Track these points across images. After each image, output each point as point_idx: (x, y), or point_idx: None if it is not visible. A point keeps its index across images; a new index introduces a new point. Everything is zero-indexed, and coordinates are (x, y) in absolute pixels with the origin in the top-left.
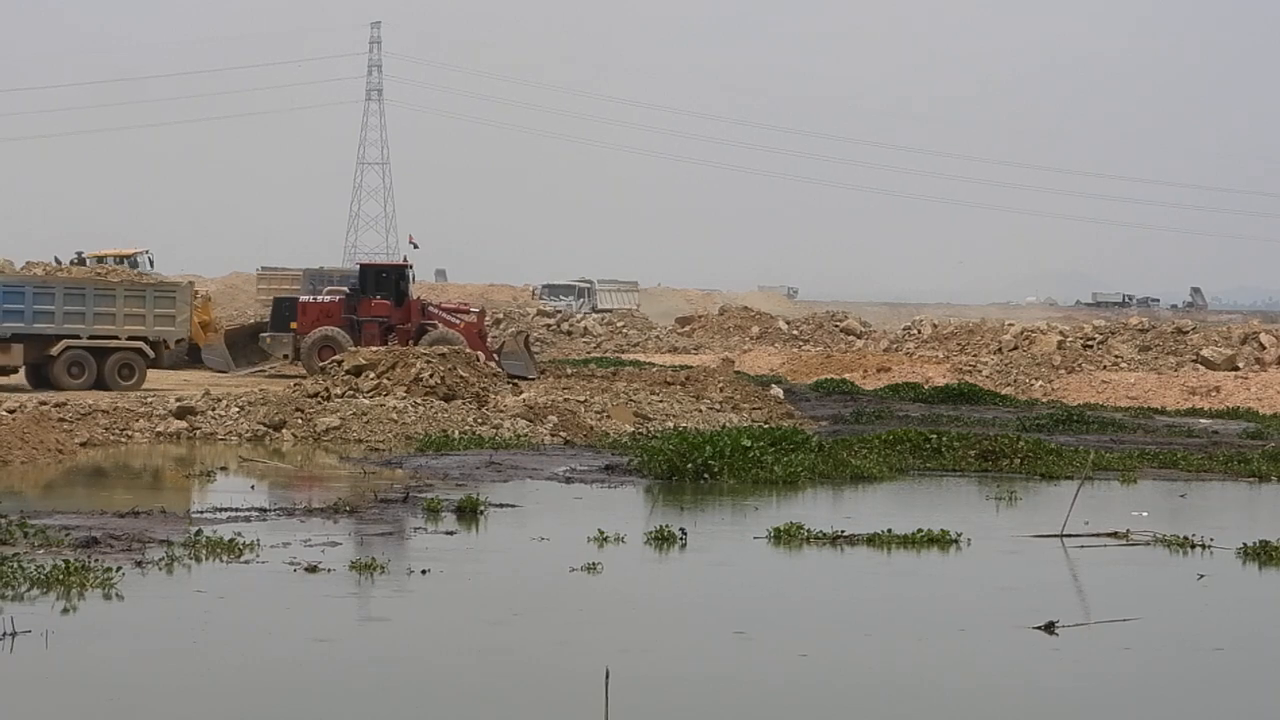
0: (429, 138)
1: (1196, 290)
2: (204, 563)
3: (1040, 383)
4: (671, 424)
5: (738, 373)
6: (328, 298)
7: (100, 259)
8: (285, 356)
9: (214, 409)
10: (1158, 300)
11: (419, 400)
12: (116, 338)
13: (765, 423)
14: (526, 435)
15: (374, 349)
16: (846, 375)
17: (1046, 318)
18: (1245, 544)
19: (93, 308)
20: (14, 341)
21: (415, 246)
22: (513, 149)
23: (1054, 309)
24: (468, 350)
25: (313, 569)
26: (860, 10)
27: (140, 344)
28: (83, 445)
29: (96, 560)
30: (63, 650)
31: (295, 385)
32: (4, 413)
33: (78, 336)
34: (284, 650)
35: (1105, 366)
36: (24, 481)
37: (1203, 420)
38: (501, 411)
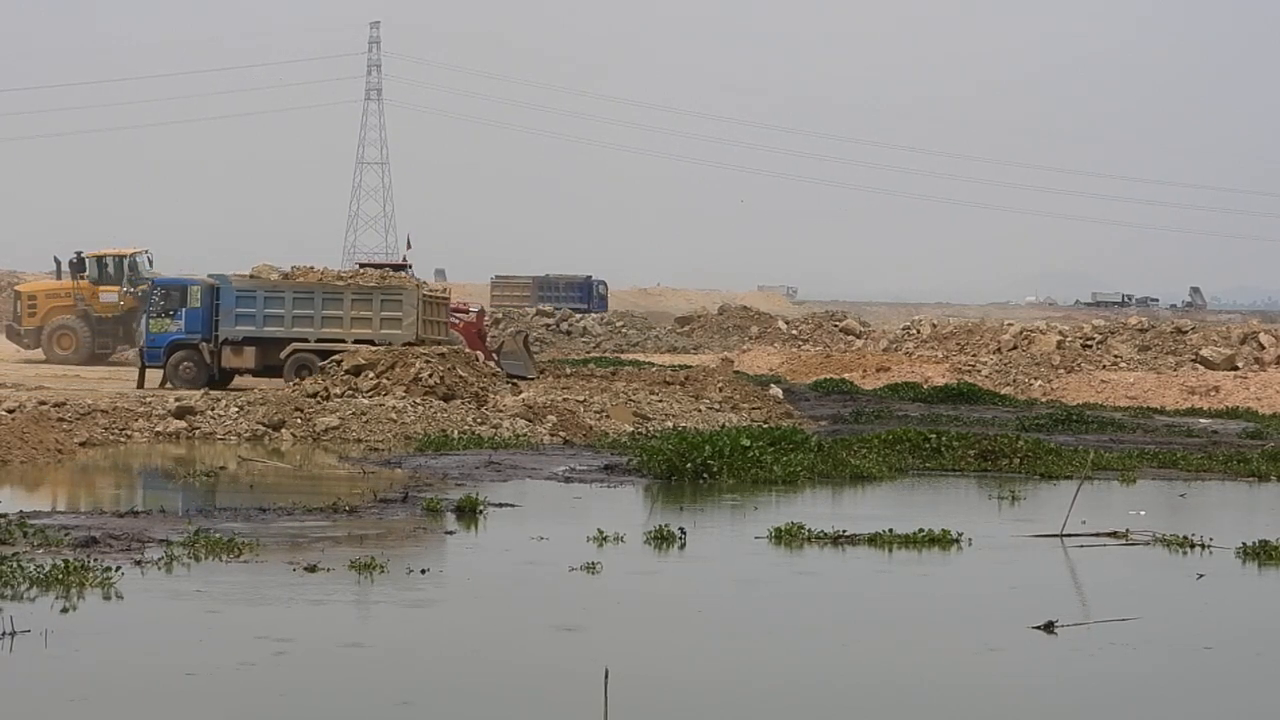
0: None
1: (1196, 290)
2: (203, 562)
3: (1039, 382)
4: (671, 424)
5: (737, 373)
6: None
7: (99, 259)
8: None
9: (213, 409)
10: (1157, 300)
11: (418, 400)
12: (343, 340)
13: (764, 422)
14: (526, 435)
15: (373, 349)
16: (846, 375)
17: (1046, 317)
18: (1245, 544)
19: (320, 311)
20: (246, 345)
21: (409, 246)
22: (513, 148)
23: (1053, 309)
24: (467, 350)
25: (312, 569)
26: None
27: (366, 347)
28: (82, 445)
29: (96, 560)
30: (63, 650)
31: (294, 385)
32: (3, 413)
33: (305, 340)
34: (283, 649)
35: (1104, 366)
36: (24, 480)
37: (1202, 420)
38: (501, 411)
